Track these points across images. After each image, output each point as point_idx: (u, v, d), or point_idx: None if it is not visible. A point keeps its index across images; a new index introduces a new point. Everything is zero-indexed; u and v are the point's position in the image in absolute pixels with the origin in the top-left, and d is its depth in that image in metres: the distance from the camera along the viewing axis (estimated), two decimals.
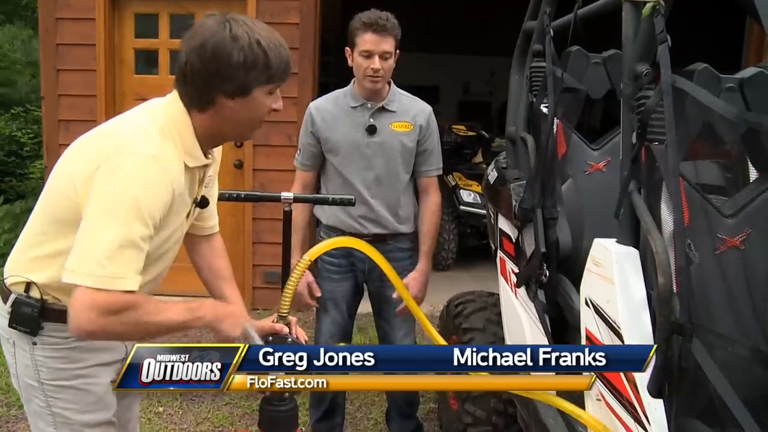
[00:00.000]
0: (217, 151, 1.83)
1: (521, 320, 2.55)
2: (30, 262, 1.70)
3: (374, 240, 2.84)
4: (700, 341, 1.45)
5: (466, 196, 6.42)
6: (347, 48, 2.73)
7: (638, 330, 1.65)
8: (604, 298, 1.76)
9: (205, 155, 1.69)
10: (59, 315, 1.64)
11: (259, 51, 1.54)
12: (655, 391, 1.55)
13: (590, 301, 1.84)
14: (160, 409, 3.76)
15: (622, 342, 1.66)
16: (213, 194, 1.92)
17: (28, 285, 1.68)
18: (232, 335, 1.68)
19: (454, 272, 6.55)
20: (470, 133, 7.24)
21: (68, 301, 1.54)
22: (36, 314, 1.66)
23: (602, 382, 1.78)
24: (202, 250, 2.03)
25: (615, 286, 1.71)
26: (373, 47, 2.63)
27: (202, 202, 1.77)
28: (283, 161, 4.68)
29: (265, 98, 1.61)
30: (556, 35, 2.49)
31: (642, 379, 1.58)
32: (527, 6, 2.86)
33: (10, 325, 1.68)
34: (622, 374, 1.68)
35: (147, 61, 5.30)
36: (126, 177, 1.50)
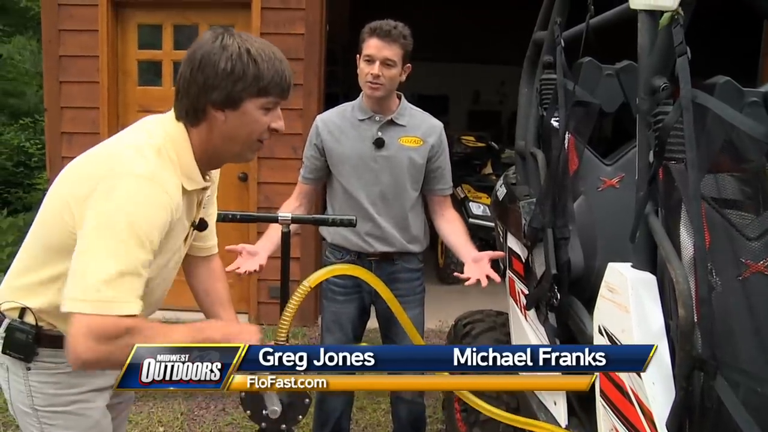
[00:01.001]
0: (215, 172, 1.77)
1: (531, 344, 2.43)
2: (23, 287, 1.65)
3: (381, 259, 2.75)
4: (724, 378, 1.34)
5: (476, 208, 6.32)
6: (357, 55, 2.64)
7: (655, 362, 1.53)
8: (619, 327, 1.64)
9: (204, 177, 1.64)
10: (54, 340, 1.60)
11: (248, 60, 1.49)
12: (675, 429, 1.44)
13: (604, 329, 1.72)
14: (160, 429, 3.66)
15: (639, 376, 1.55)
16: (211, 214, 1.88)
17: (23, 310, 1.63)
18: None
19: (463, 286, 6.41)
20: (479, 144, 7.15)
21: (63, 327, 1.50)
22: (30, 340, 1.61)
23: (617, 417, 1.66)
24: (201, 274, 1.96)
25: (630, 314, 1.59)
26: (375, 52, 2.54)
27: (201, 225, 1.72)
28: (288, 174, 4.59)
29: (260, 114, 1.55)
30: (567, 46, 2.39)
31: (661, 415, 1.47)
32: (537, 14, 2.76)
33: (3, 351, 1.63)
34: (638, 410, 1.57)
35: (150, 73, 5.23)
36: (121, 199, 1.43)
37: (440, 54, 10.65)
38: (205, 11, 4.95)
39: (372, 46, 2.54)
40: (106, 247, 1.41)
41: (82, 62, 4.98)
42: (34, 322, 1.62)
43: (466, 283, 2.37)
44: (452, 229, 2.75)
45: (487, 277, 2.39)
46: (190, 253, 1.89)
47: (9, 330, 1.63)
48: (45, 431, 1.69)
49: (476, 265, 2.46)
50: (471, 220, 6.39)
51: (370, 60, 2.56)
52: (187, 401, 3.94)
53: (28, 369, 1.64)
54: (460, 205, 6.47)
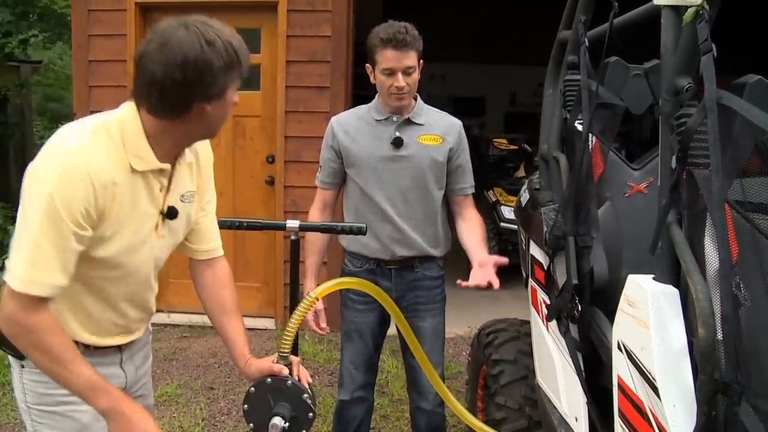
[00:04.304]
0: (203, 157, 1.80)
1: (552, 357, 2.33)
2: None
3: (401, 267, 2.68)
4: (749, 404, 1.23)
5: (508, 212, 6.19)
6: (367, 65, 2.57)
7: (676, 383, 1.43)
8: (638, 344, 1.54)
9: (173, 162, 1.66)
10: None
11: (233, 52, 1.55)
12: None
13: (623, 345, 1.62)
14: None
15: (658, 395, 1.44)
16: (209, 213, 1.88)
17: None
18: None
19: (494, 291, 6.30)
20: (512, 147, 7.01)
21: None
22: None
23: None
24: (204, 279, 1.92)
25: (650, 331, 1.49)
26: (395, 64, 2.47)
27: (170, 213, 1.70)
28: (314, 178, 4.55)
29: (233, 94, 1.62)
30: (593, 45, 2.28)
31: None
32: None
33: (1, 347, 1.67)
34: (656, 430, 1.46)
35: None
36: (43, 174, 1.49)
37: (477, 55, 10.57)
38: (231, 14, 4.92)
39: (390, 58, 2.47)
40: (30, 222, 1.48)
41: (111, 67, 5.01)
42: None
43: (460, 283, 2.33)
44: (468, 229, 2.68)
45: (489, 283, 2.37)
46: (190, 256, 1.90)
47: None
48: (36, 429, 1.72)
49: (481, 269, 2.40)
50: (503, 224, 6.27)
51: (391, 72, 2.49)
52: (209, 407, 3.92)
53: (22, 367, 1.68)
54: (492, 209, 6.35)
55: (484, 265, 2.42)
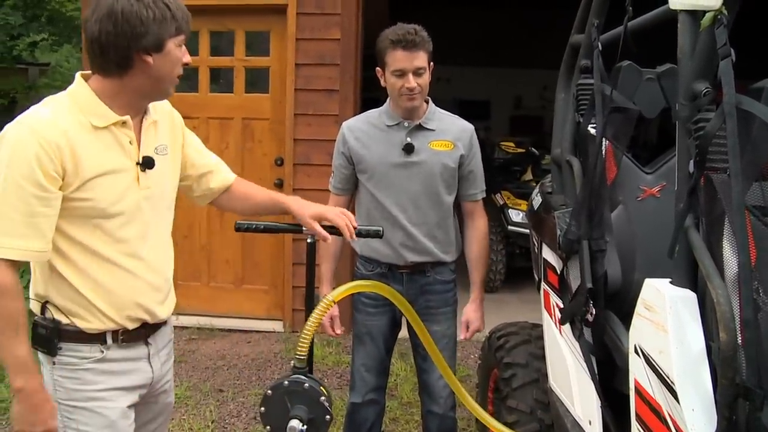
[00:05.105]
0: (163, 111, 1.92)
1: (566, 360, 2.33)
2: (36, 278, 1.79)
3: (413, 271, 2.69)
4: None
5: (515, 215, 6.20)
6: (378, 68, 2.58)
7: (695, 387, 1.43)
8: (656, 347, 1.54)
9: (137, 121, 1.79)
10: (73, 336, 1.74)
11: (163, 5, 1.67)
12: None
13: (640, 349, 1.62)
14: None
15: (676, 399, 1.44)
16: (199, 150, 2.06)
17: (44, 306, 1.75)
18: (21, 424, 1.69)
19: (502, 294, 6.32)
20: (519, 150, 7.01)
21: (79, 321, 1.73)
22: (50, 335, 1.73)
23: None
24: (234, 201, 2.13)
25: (668, 335, 1.49)
26: (406, 65, 2.48)
27: (146, 163, 1.80)
28: (324, 180, 4.51)
29: (177, 51, 1.72)
30: (606, 50, 2.28)
31: None
32: None
33: (33, 346, 1.73)
34: None
35: (185, 79, 5.25)
36: (1, 147, 1.63)
37: (482, 59, 10.56)
38: (240, 17, 4.94)
39: (400, 59, 2.48)
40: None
41: None
42: (53, 317, 1.74)
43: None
44: (472, 247, 2.79)
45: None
46: (212, 201, 2.12)
47: (33, 325, 1.75)
48: (66, 425, 1.76)
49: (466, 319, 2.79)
50: (510, 227, 6.28)
51: (402, 74, 2.50)
52: (218, 409, 3.92)
53: (53, 364, 1.75)
54: (500, 212, 6.35)
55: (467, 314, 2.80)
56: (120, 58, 1.66)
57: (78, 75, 1.76)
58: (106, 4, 1.64)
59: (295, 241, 5.08)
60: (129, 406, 1.83)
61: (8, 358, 1.64)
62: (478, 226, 2.76)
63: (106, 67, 1.69)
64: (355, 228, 2.05)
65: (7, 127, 1.66)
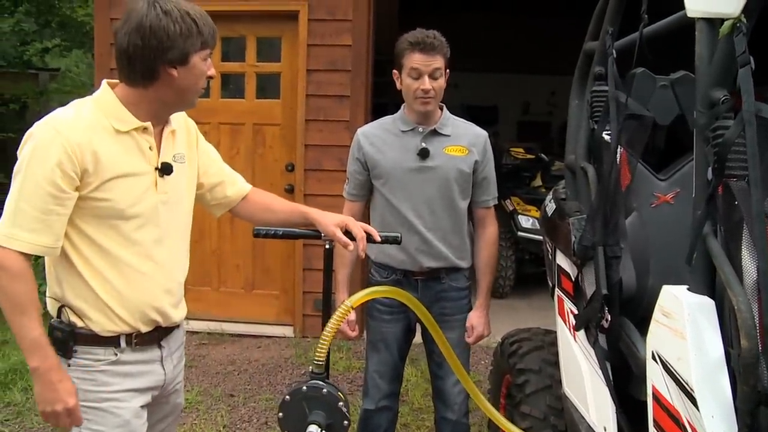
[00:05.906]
0: (190, 130, 2.00)
1: (580, 367, 2.33)
2: (51, 280, 1.83)
3: (427, 278, 2.69)
4: None
5: (525, 221, 6.20)
6: (395, 71, 2.59)
7: (714, 393, 1.43)
8: (675, 354, 1.54)
9: (158, 130, 1.85)
10: (88, 339, 1.78)
11: (190, 21, 1.72)
12: None
13: (658, 356, 1.62)
14: None
15: (696, 405, 1.45)
16: (215, 160, 2.11)
17: (60, 309, 1.79)
18: (42, 403, 1.74)
19: (511, 300, 6.32)
20: (529, 156, 7.01)
21: (93, 324, 1.77)
22: (66, 338, 1.77)
23: None
24: (253, 210, 2.15)
25: (687, 341, 1.49)
26: (422, 66, 2.49)
27: (165, 169, 1.85)
28: (335, 186, 4.57)
29: (202, 64, 1.78)
30: (620, 56, 2.29)
31: None
32: (588, 24, 2.66)
33: None
34: None
35: None
36: (26, 145, 1.70)
37: (489, 64, 10.56)
38: (252, 23, 4.97)
39: (417, 60, 2.50)
40: (14, 186, 1.70)
41: None
42: (68, 320, 1.78)
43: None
44: (481, 253, 2.79)
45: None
46: (229, 209, 2.14)
47: (50, 328, 1.78)
48: (81, 426, 1.78)
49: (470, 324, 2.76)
50: (520, 233, 6.28)
51: (418, 75, 2.51)
52: (230, 414, 3.93)
53: (69, 366, 1.78)
54: (509, 218, 6.35)
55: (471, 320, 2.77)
56: (146, 69, 1.73)
57: (104, 82, 1.82)
58: (136, 18, 1.71)
59: (306, 247, 5.09)
60: (142, 406, 1.87)
61: (23, 339, 1.70)
62: (489, 232, 2.77)
63: (132, 77, 1.76)
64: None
65: (36, 125, 1.73)
